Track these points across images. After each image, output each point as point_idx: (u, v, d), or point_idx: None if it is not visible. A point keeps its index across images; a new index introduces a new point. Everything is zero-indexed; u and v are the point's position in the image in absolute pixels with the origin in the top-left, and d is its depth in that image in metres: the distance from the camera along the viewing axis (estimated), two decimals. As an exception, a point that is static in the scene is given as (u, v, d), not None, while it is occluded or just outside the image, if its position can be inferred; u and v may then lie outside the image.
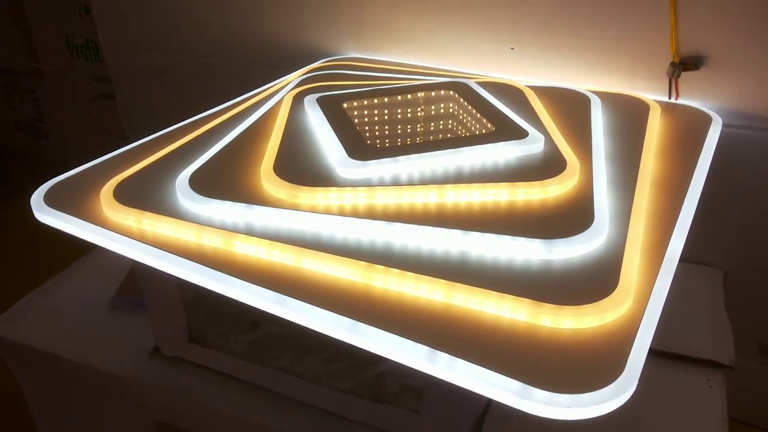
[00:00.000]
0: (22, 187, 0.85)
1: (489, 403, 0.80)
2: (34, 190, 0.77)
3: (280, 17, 1.35)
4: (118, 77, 1.69)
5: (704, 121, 0.95)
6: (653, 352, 0.54)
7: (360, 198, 0.72)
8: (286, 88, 1.05)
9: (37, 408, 1.03)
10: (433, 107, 0.98)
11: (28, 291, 1.04)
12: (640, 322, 0.57)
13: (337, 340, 0.58)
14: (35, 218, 0.74)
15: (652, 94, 1.05)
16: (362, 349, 0.57)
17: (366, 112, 0.94)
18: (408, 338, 0.55)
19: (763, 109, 1.00)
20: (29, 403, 1.03)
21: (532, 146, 0.80)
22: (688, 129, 0.94)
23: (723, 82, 1.01)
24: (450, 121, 0.99)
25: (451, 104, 0.98)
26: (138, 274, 0.87)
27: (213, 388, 0.85)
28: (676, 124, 0.95)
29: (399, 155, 0.76)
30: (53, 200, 0.75)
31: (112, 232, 0.70)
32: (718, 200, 0.86)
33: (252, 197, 0.73)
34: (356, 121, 0.88)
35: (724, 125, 0.95)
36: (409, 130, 0.98)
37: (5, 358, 0.98)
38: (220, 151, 0.84)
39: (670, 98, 1.05)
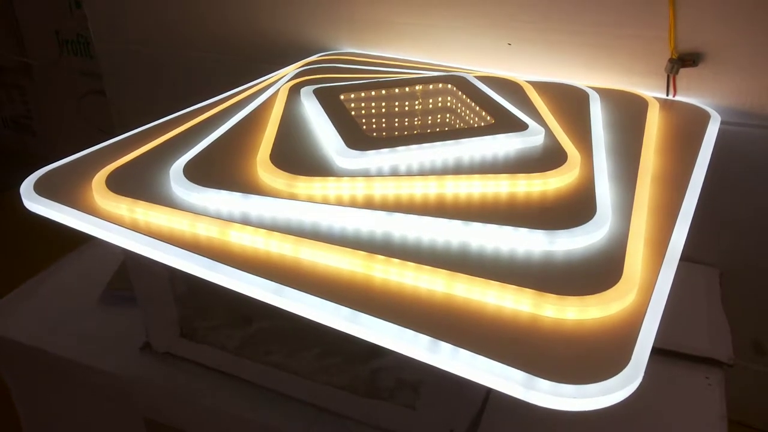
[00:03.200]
0: (7, 185, 0.83)
1: (486, 398, 0.79)
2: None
3: (275, 12, 1.34)
4: (108, 73, 1.67)
5: (702, 117, 0.95)
6: (651, 350, 0.53)
7: (358, 188, 0.71)
8: (282, 80, 1.04)
9: (22, 405, 1.01)
10: (430, 100, 0.97)
11: (15, 287, 1.02)
12: (644, 314, 0.56)
13: (332, 334, 0.57)
14: (21, 216, 0.72)
15: (650, 91, 1.05)
16: (357, 345, 0.56)
17: (363, 104, 0.93)
18: (409, 328, 0.54)
19: (762, 107, 1.00)
20: (14, 399, 1.00)
21: (533, 138, 0.79)
22: (686, 125, 0.94)
23: (721, 79, 1.01)
24: (448, 115, 0.98)
25: (449, 98, 0.97)
26: (129, 267, 0.86)
27: (204, 384, 0.84)
28: (674, 121, 0.95)
29: (398, 146, 0.76)
30: (43, 189, 0.73)
31: (103, 221, 0.68)
32: (714, 198, 0.85)
33: (248, 187, 0.71)
34: (353, 113, 0.87)
35: (721, 122, 0.94)
36: (406, 123, 0.98)
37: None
38: (215, 141, 0.82)
39: (667, 95, 1.04)
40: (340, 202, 0.69)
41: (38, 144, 2.28)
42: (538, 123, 0.83)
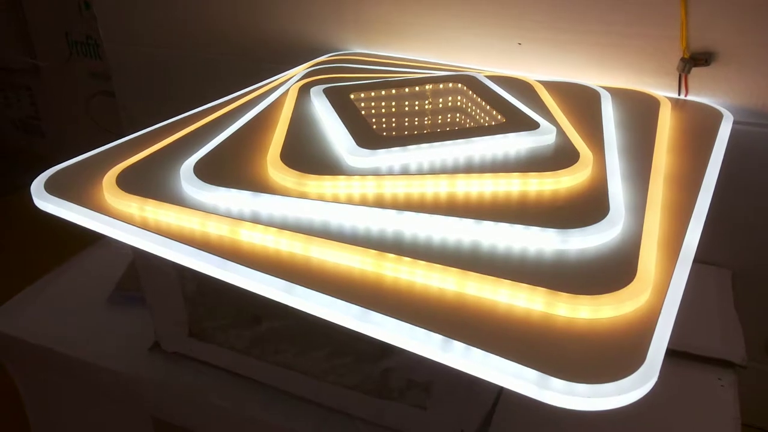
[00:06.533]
0: (16, 186, 0.83)
1: (497, 399, 0.78)
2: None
3: (284, 13, 1.34)
4: (117, 74, 1.67)
5: (715, 117, 0.94)
6: (664, 350, 0.53)
7: (369, 187, 0.70)
8: (291, 80, 1.04)
9: (31, 404, 1.01)
10: (440, 100, 0.96)
11: (24, 287, 1.02)
12: (659, 313, 0.55)
13: (342, 334, 0.56)
14: (30, 216, 0.72)
15: (662, 90, 1.04)
16: (367, 344, 0.56)
17: (373, 103, 0.93)
18: (421, 327, 0.54)
19: (775, 106, 0.99)
20: (23, 399, 1.01)
21: (544, 137, 0.79)
22: (699, 125, 0.93)
23: (734, 78, 1.00)
24: (458, 114, 0.98)
25: (459, 97, 0.96)
26: (138, 266, 0.85)
27: (213, 384, 0.84)
28: (686, 120, 0.94)
29: (408, 145, 0.75)
30: (54, 188, 0.73)
31: (114, 220, 0.68)
32: (726, 199, 0.85)
33: (258, 185, 0.71)
34: (363, 112, 0.86)
35: (734, 122, 0.94)
36: (416, 123, 0.97)
37: (1, 353, 0.96)
38: (225, 140, 0.82)
39: (679, 94, 1.04)
40: (350, 201, 0.68)
41: (47, 145, 2.29)
42: (550, 122, 0.83)
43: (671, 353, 0.86)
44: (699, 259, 0.65)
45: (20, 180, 0.80)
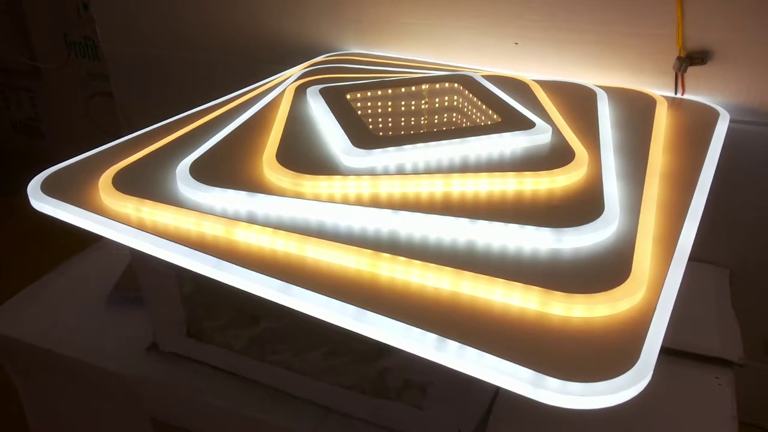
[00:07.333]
0: (17, 187, 0.84)
1: (494, 399, 0.78)
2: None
3: (282, 13, 1.34)
4: (116, 75, 1.67)
5: (711, 115, 0.95)
6: (660, 349, 0.53)
7: (364, 187, 0.70)
8: (288, 80, 1.04)
9: (30, 405, 1.01)
10: (437, 100, 0.97)
11: (24, 288, 1.02)
12: (653, 312, 0.55)
13: (340, 334, 0.57)
14: (30, 218, 0.72)
15: (658, 89, 1.04)
16: (364, 344, 0.56)
17: (369, 103, 0.93)
18: (416, 326, 0.54)
19: (771, 105, 0.99)
20: (22, 399, 1.01)
21: (540, 137, 0.79)
22: (695, 123, 0.93)
23: (730, 77, 1.00)
24: (454, 114, 0.98)
25: (455, 97, 0.97)
26: (136, 266, 0.86)
27: (211, 385, 0.84)
28: (683, 119, 0.94)
29: (404, 144, 0.75)
30: (50, 189, 0.74)
31: (110, 220, 0.68)
32: (723, 197, 0.85)
33: (254, 185, 0.71)
34: (359, 112, 0.86)
35: (731, 121, 0.94)
36: (412, 123, 0.97)
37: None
38: (221, 140, 0.82)
39: (676, 93, 1.04)
40: (346, 201, 0.68)
41: (47, 146, 2.29)
42: (546, 121, 0.83)
43: (669, 352, 0.87)
44: (697, 258, 0.65)
45: (20, 181, 0.80)
